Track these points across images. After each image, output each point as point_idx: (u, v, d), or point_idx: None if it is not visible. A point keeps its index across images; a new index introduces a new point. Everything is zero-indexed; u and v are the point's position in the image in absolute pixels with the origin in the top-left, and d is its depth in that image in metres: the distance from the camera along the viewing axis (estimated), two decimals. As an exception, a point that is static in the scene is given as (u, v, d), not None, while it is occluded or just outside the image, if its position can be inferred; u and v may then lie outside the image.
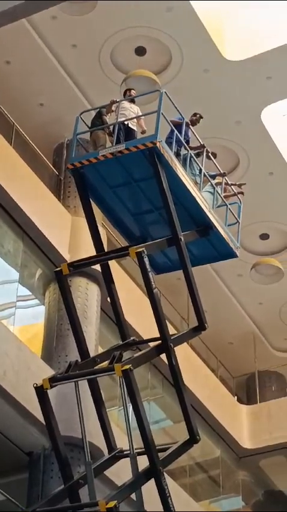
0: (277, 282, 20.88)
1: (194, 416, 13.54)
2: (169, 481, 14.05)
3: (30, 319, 18.03)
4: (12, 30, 15.24)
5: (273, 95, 18.11)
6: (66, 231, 17.61)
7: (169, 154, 12.82)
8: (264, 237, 20.22)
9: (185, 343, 16.21)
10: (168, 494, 12.65)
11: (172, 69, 17.56)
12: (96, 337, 17.23)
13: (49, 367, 15.75)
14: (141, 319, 15.42)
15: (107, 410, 13.61)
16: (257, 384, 22.84)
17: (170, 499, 12.53)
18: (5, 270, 17.56)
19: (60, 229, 17.49)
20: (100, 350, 16.18)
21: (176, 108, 13.15)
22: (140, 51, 17.44)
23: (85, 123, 13.42)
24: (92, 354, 14.30)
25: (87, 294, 17.21)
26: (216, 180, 14.18)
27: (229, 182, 14.92)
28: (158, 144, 12.46)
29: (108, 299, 14.53)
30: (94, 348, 16.36)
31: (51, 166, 17.89)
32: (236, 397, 21.44)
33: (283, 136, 19.07)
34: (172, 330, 15.12)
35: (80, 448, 13.04)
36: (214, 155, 16.36)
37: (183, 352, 15.61)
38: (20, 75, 17.85)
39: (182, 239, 12.78)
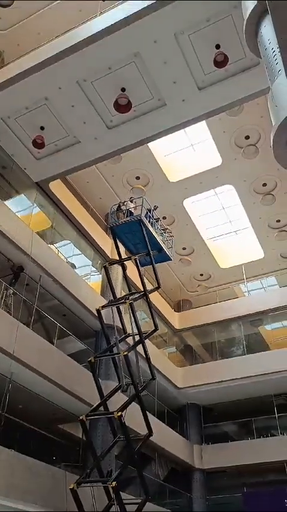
0: (188, 266, 21.93)
1: (156, 318, 13.83)
2: (148, 342, 13.56)
3: (96, 280, 17.83)
4: (89, 169, 15.69)
5: (187, 195, 18.68)
6: (109, 246, 17.46)
7: (146, 221, 13.11)
8: (184, 249, 21.27)
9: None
10: (147, 350, 11.97)
11: (149, 185, 18.04)
12: (121, 289, 16.79)
13: (103, 298, 16.15)
14: (138, 282, 14.82)
15: (123, 315, 13.34)
16: (181, 304, 23.63)
17: (148, 352, 12.09)
18: (87, 261, 17.69)
19: (106, 245, 17.56)
20: (122, 292, 16.32)
21: (148, 203, 13.78)
22: (138, 178, 17.99)
23: (114, 209, 13.53)
24: (118, 295, 14.27)
25: (117, 272, 16.85)
26: (167, 234, 14.68)
27: (170, 231, 15.24)
28: (142, 218, 12.76)
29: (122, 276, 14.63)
30: (120, 293, 16.31)
31: (104, 221, 18.57)
32: (173, 309, 23.37)
33: (191, 211, 19.47)
34: (149, 284, 15.31)
35: (112, 329, 12.62)
36: (164, 218, 17.48)
37: (154, 294, 16.46)
38: (92, 187, 18.11)
39: (151, 254, 13.12)
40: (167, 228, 14.99)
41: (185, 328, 22.04)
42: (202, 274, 22.42)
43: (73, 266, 16.26)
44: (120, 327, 13.13)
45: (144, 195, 16.48)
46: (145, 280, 13.28)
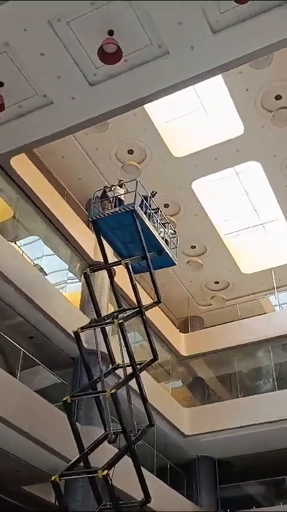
0: (198, 270, 22.45)
1: (155, 342, 14.25)
2: (144, 373, 14.03)
3: (74, 289, 18.45)
4: (65, 140, 16.06)
5: (197, 175, 19.23)
6: (92, 243, 17.68)
7: (141, 213, 13.28)
8: (193, 247, 21.85)
9: (151, 299, 17.10)
10: (142, 387, 12.30)
11: (146, 161, 18.42)
12: (107, 303, 17.35)
13: (83, 314, 16.44)
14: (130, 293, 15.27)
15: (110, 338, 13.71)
16: (189, 323, 24.29)
17: (144, 389, 12.39)
18: (61, 264, 18.41)
19: (89, 242, 17.91)
20: (110, 307, 16.80)
21: (144, 188, 13.82)
22: (130, 151, 18.41)
23: (98, 196, 13.87)
24: (104, 312, 14.35)
25: (103, 280, 17.11)
26: (169, 229, 14.92)
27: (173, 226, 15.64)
28: (135, 208, 12.88)
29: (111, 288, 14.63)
30: (106, 308, 16.59)
31: (85, 210, 18.87)
32: (178, 329, 24.12)
33: (202, 196, 20.03)
34: (147, 297, 16.49)
35: (96, 357, 12.82)
36: (167, 206, 18.10)
37: (153, 310, 16.28)
38: (69, 164, 18.53)
39: (149, 257, 13.18)
40: (169, 222, 15.12)
41: (195, 354, 22.13)
42: (217, 282, 22.62)
43: (43, 271, 16.44)
44: (107, 353, 13.07)
45: (139, 176, 16.55)
46: (141, 291, 13.44)
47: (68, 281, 18.18)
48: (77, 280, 18.43)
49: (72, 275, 18.40)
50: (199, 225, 20.25)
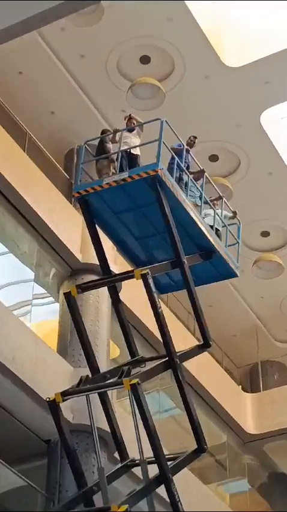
0: (277, 276, 23.00)
1: (198, 419, 13.63)
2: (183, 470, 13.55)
3: (46, 315, 18.73)
4: (24, 42, 15.24)
5: (271, 99, 19.26)
6: (78, 231, 17.78)
7: (170, 181, 12.69)
8: (265, 234, 22.32)
9: (191, 336, 17.64)
10: (178, 500, 12.11)
11: (175, 77, 18.56)
12: (108, 342, 17.46)
13: (64, 360, 16.37)
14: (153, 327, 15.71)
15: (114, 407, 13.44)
16: (260, 373, 25.07)
17: (180, 503, 12.11)
18: (21, 270, 18.01)
19: (72, 230, 17.84)
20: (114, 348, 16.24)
21: (176, 135, 13.22)
22: (145, 59, 18.37)
23: (90, 151, 13.80)
24: (104, 358, 15.01)
25: (99, 299, 17.45)
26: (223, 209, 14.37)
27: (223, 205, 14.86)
28: (159, 172, 12.39)
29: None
30: (106, 348, 17.15)
31: (63, 170, 18.88)
32: (240, 386, 24.31)
33: (281, 138, 20.38)
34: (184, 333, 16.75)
35: (89, 440, 13.50)
36: (215, 159, 18.64)
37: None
38: (31, 85, 18.62)
39: (186, 262, 12.77)
40: (222, 196, 14.57)
41: (271, 432, 23.33)
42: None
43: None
44: (109, 433, 13.35)
45: (161, 104, 17.13)
46: (171, 323, 13.67)
47: (35, 301, 18.05)
48: (52, 299, 18.45)
49: (42, 290, 18.37)
50: (276, 192, 20.57)
